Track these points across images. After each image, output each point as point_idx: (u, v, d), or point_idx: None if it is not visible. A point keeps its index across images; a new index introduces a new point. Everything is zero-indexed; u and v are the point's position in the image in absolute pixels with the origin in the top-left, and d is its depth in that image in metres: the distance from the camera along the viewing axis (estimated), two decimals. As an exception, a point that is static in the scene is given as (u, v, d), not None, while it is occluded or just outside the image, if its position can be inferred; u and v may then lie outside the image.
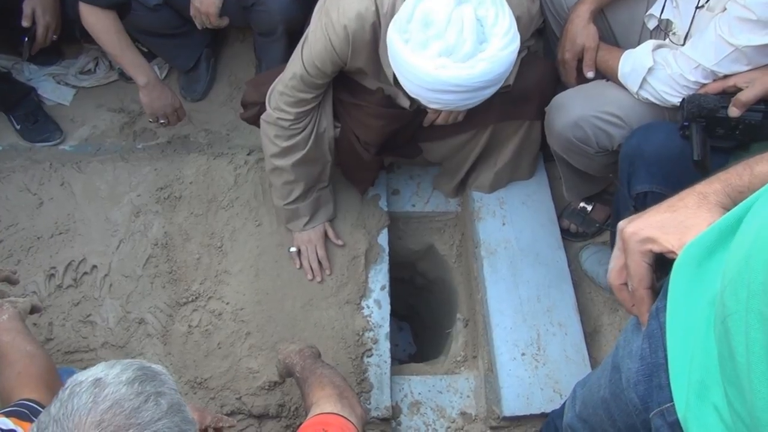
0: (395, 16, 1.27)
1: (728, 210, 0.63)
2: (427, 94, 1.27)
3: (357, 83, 1.61)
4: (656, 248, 0.71)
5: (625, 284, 0.76)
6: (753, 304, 0.47)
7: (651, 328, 0.71)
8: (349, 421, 1.12)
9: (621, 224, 0.75)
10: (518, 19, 1.44)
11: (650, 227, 0.72)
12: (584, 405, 1.00)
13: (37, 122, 2.15)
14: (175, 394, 0.80)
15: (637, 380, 0.72)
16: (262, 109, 1.64)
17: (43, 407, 1.04)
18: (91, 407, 0.72)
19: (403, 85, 1.32)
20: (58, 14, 1.97)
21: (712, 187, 0.71)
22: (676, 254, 0.67)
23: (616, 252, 0.77)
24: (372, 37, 1.39)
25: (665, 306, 0.67)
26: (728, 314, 0.52)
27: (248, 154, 2.05)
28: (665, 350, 0.65)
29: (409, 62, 1.23)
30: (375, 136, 1.67)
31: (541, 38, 1.86)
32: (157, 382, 0.79)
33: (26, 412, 1.04)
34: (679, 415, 0.61)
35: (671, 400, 0.62)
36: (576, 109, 1.48)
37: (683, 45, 1.38)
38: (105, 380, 0.76)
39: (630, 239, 0.73)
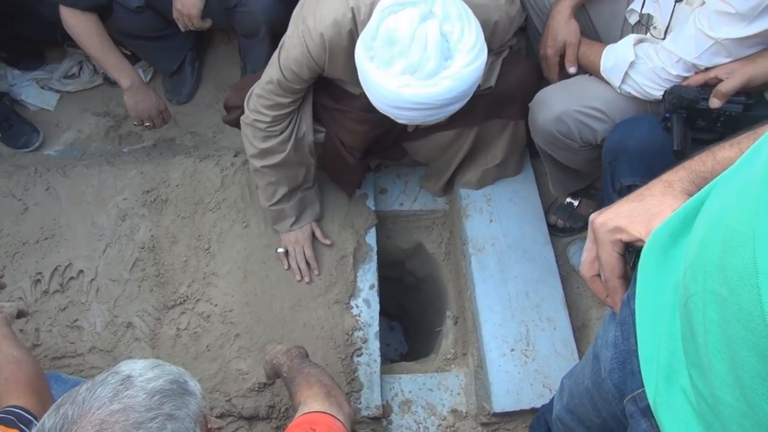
0: (363, 32, 1.27)
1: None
2: (393, 110, 1.28)
3: (340, 89, 1.61)
4: (625, 237, 0.72)
5: (599, 275, 0.77)
6: (709, 285, 0.48)
7: (623, 315, 0.72)
8: (337, 419, 1.12)
9: (592, 216, 0.77)
10: (496, 24, 1.45)
11: (618, 217, 0.73)
12: (571, 396, 1.01)
13: (13, 127, 2.13)
14: (188, 423, 0.78)
15: (612, 368, 0.73)
16: (243, 112, 1.64)
17: (30, 413, 1.03)
18: (105, 402, 0.73)
19: (370, 100, 1.32)
20: None
21: (678, 175, 0.72)
22: (644, 242, 0.68)
23: (588, 244, 0.78)
24: (349, 44, 1.38)
25: (636, 293, 0.67)
26: (689, 296, 0.52)
27: (235, 156, 2.05)
28: (636, 337, 0.66)
29: (374, 79, 1.24)
30: (359, 140, 1.67)
31: (523, 36, 1.87)
32: (179, 403, 0.78)
33: (13, 419, 1.03)
34: (650, 400, 0.61)
35: (643, 385, 0.63)
36: (559, 104, 1.48)
37: (664, 39, 1.39)
38: (134, 381, 0.76)
39: (600, 230, 0.74)
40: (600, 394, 0.82)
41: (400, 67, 1.21)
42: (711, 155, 0.71)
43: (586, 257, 0.78)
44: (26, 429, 0.99)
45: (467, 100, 1.30)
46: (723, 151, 0.70)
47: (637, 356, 0.64)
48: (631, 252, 0.74)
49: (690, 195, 0.69)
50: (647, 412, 0.63)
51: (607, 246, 0.73)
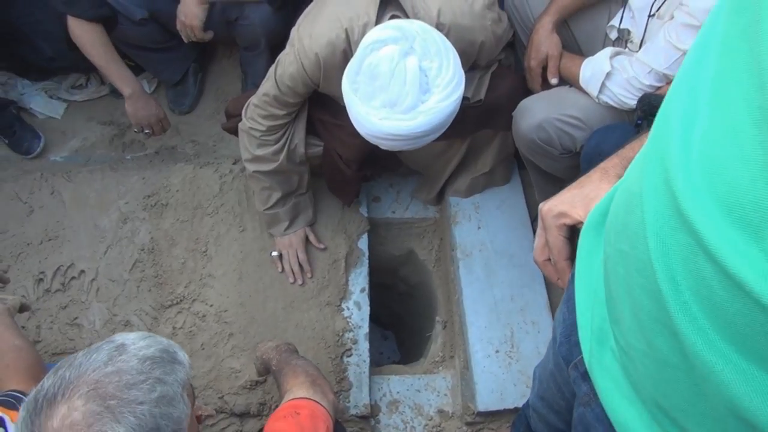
0: (348, 66, 1.35)
1: None
2: (375, 139, 1.37)
3: (337, 104, 1.68)
4: (568, 221, 0.79)
5: (549, 259, 0.83)
6: (617, 244, 0.55)
7: (568, 292, 0.78)
8: (321, 404, 1.17)
9: (540, 205, 0.83)
10: (483, 44, 1.53)
11: (562, 203, 0.80)
12: (540, 383, 1.06)
13: (16, 133, 2.22)
14: (175, 387, 0.83)
15: (561, 342, 0.79)
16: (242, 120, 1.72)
17: None
18: (100, 365, 0.79)
19: (355, 127, 1.41)
20: None
21: (612, 162, 0.80)
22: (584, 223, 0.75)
23: (539, 231, 0.84)
24: (342, 63, 1.44)
25: (575, 269, 0.74)
26: (606, 258, 0.59)
27: (233, 164, 2.12)
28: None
29: (357, 110, 1.33)
30: (356, 153, 1.74)
31: (512, 51, 1.94)
32: (168, 369, 0.83)
33: (13, 402, 1.08)
34: (586, 362, 0.67)
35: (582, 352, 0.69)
36: (540, 112, 1.55)
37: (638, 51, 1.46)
38: (128, 348, 0.82)
39: (546, 216, 0.81)
40: (560, 374, 0.88)
41: (380, 101, 1.29)
42: (638, 142, 0.78)
43: (537, 243, 0.85)
44: None
45: (444, 129, 1.38)
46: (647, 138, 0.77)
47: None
48: (576, 235, 0.80)
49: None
50: (586, 376, 0.68)
51: (554, 230, 0.80)
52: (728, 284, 0.39)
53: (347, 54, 1.44)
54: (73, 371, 0.78)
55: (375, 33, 1.32)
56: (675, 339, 0.46)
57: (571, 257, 0.80)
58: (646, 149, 0.52)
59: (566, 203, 0.79)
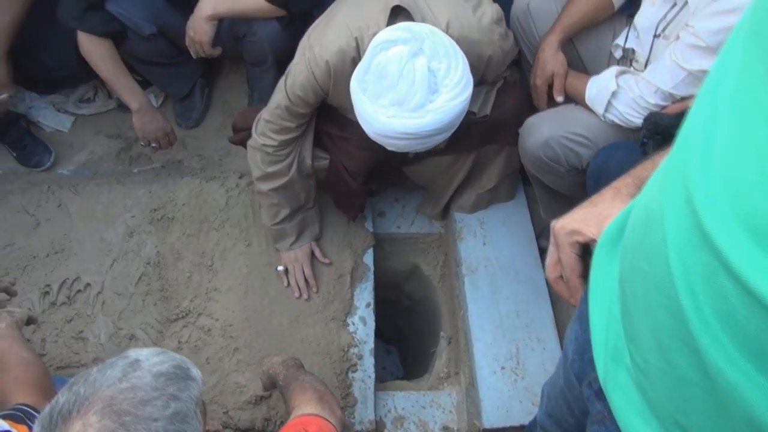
0: (357, 66, 1.37)
1: None
2: (382, 139, 1.37)
3: (344, 117, 1.70)
4: (581, 238, 0.79)
5: (561, 277, 0.84)
6: (635, 262, 0.55)
7: (581, 309, 0.78)
8: (329, 421, 1.17)
9: (552, 222, 0.84)
10: (490, 58, 1.54)
11: (574, 221, 0.81)
12: (549, 400, 1.06)
13: (26, 147, 2.24)
14: (189, 404, 0.83)
15: (573, 359, 0.79)
16: (250, 133, 1.73)
17: (38, 411, 1.09)
18: (115, 382, 0.79)
19: (363, 128, 1.41)
20: None
21: (625, 181, 0.81)
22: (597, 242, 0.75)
23: (551, 248, 0.85)
24: (352, 71, 1.45)
25: (589, 285, 0.74)
26: (623, 275, 0.59)
27: (240, 178, 2.13)
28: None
29: (365, 110, 1.34)
30: (362, 166, 1.75)
31: (517, 69, 1.97)
32: (182, 386, 0.83)
33: (21, 416, 1.08)
34: (600, 381, 0.68)
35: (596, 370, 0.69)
36: (546, 130, 1.57)
37: (644, 71, 1.48)
38: (142, 364, 0.82)
39: (559, 234, 0.82)
40: (571, 391, 0.88)
41: (388, 100, 1.30)
42: (651, 162, 0.79)
43: (549, 260, 0.85)
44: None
45: (453, 130, 1.39)
46: (661, 157, 0.77)
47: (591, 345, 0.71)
48: (589, 253, 0.81)
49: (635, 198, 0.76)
50: (600, 394, 0.69)
51: (566, 248, 0.80)
52: (750, 302, 0.40)
53: (357, 62, 1.45)
54: (87, 387, 0.78)
55: (385, 33, 1.33)
56: (696, 357, 0.46)
57: (584, 275, 0.80)
58: (665, 167, 0.53)
59: (579, 221, 0.80)
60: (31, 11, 1.94)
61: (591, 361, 0.71)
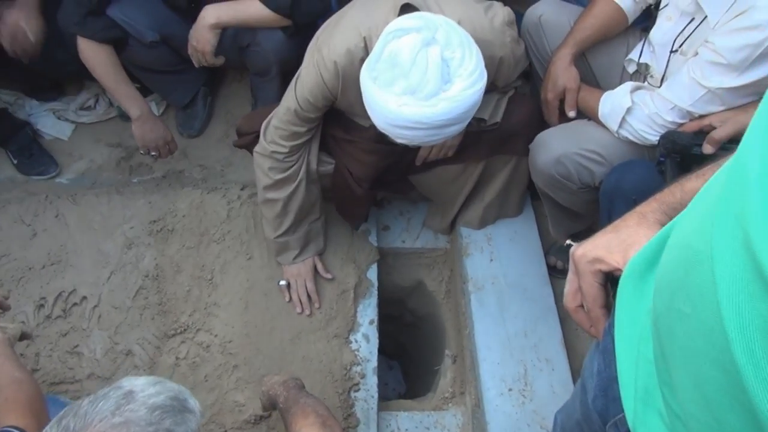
0: (368, 57, 1.32)
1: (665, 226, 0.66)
2: (393, 129, 1.31)
3: (350, 120, 1.66)
4: (604, 267, 0.74)
5: (582, 306, 0.79)
6: (674, 303, 0.50)
7: (605, 343, 0.73)
8: (332, 449, 1.12)
9: (572, 249, 0.79)
10: (501, 60, 1.51)
11: (597, 248, 0.75)
12: (563, 431, 1.01)
13: (33, 156, 2.20)
14: None
15: (595, 395, 0.74)
16: (255, 137, 1.69)
17: None
18: (107, 415, 0.74)
19: (372, 120, 1.36)
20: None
21: (650, 206, 0.76)
22: (622, 271, 0.71)
23: (570, 276, 0.80)
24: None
25: (614, 320, 0.69)
26: (658, 316, 0.55)
27: (242, 189, 2.09)
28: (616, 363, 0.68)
29: (375, 98, 1.29)
30: (368, 171, 1.71)
31: (528, 81, 1.93)
32: (179, 419, 0.79)
33: (10, 438, 1.04)
34: (629, 424, 0.63)
35: (623, 410, 0.64)
36: (558, 147, 1.52)
37: (660, 87, 1.43)
38: (136, 396, 0.77)
39: (580, 261, 0.76)
40: (588, 425, 0.83)
41: (400, 88, 1.25)
42: (679, 187, 0.74)
43: (568, 289, 0.80)
44: None
45: (465, 123, 1.34)
46: (690, 182, 0.73)
47: (618, 382, 0.66)
48: (611, 282, 0.76)
49: (662, 225, 0.71)
50: None
51: (588, 277, 0.75)
52: None
53: None
54: (78, 421, 0.73)
55: (398, 22, 1.29)
56: (752, 417, 0.41)
57: (606, 305, 0.76)
58: (714, 203, 0.48)
59: (602, 248, 0.75)
60: (42, 5, 1.91)
61: (616, 400, 0.66)
